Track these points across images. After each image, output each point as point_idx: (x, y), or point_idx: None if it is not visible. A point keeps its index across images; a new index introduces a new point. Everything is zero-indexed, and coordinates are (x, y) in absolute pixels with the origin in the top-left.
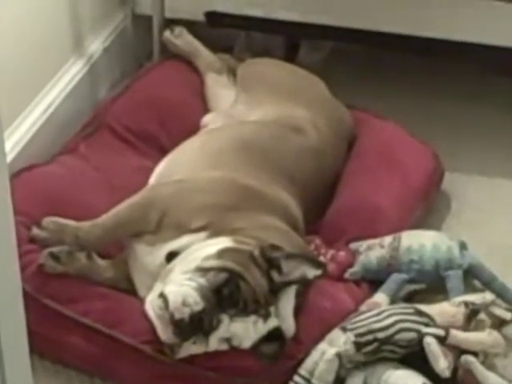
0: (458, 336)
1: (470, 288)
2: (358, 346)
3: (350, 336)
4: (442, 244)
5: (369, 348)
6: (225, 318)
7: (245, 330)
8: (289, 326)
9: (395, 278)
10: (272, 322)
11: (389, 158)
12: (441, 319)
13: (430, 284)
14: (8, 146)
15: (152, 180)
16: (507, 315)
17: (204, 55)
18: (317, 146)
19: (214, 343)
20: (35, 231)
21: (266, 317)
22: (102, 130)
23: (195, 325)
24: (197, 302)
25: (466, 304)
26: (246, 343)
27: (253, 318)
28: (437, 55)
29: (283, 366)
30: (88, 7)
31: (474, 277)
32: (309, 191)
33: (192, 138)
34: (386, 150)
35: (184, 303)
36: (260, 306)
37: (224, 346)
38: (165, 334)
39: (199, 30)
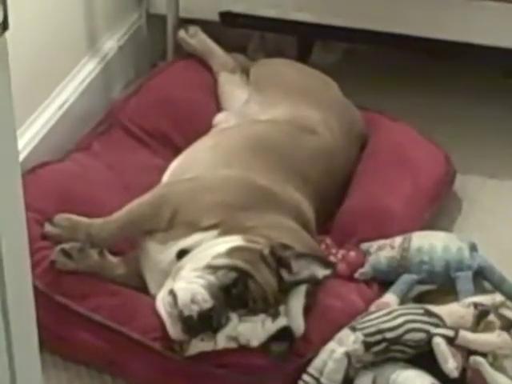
0: (467, 337)
1: (479, 289)
2: (367, 345)
3: (359, 336)
4: (453, 245)
5: (378, 348)
6: (233, 316)
7: (253, 329)
8: (298, 325)
9: (405, 279)
10: (281, 321)
11: (400, 159)
12: (450, 320)
13: (439, 285)
14: (22, 143)
15: (165, 178)
16: None
17: (218, 55)
18: (329, 146)
19: (222, 341)
20: (48, 228)
21: (274, 316)
22: (115, 128)
23: (203, 322)
24: (206, 300)
25: (476, 305)
26: (254, 342)
27: (261, 316)
28: (447, 57)
29: (292, 364)
30: (103, 6)
31: (483, 278)
32: (321, 191)
33: (205, 137)
34: (398, 151)
35: (193, 300)
36: (269, 305)
37: (232, 344)
38: (173, 330)
39: (213, 29)
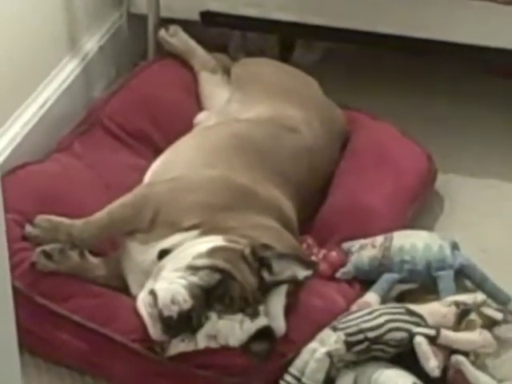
0: (449, 336)
1: (461, 288)
2: (349, 345)
3: (341, 335)
4: (434, 244)
5: (359, 347)
6: (212, 315)
7: (231, 328)
8: (279, 325)
9: (387, 278)
10: (261, 321)
11: (382, 157)
12: (432, 319)
13: (421, 284)
14: (2, 143)
15: (146, 178)
16: (498, 315)
17: (199, 54)
18: (310, 145)
19: (203, 341)
20: (28, 229)
21: (253, 316)
22: (96, 128)
23: (183, 322)
24: (186, 300)
25: (457, 304)
26: (233, 341)
27: (240, 316)
28: (430, 56)
29: (274, 364)
30: (83, 6)
31: (465, 277)
32: (302, 190)
33: (186, 137)
34: (379, 150)
35: (173, 301)
36: (248, 305)
37: (213, 344)
38: (154, 331)
39: (194, 29)
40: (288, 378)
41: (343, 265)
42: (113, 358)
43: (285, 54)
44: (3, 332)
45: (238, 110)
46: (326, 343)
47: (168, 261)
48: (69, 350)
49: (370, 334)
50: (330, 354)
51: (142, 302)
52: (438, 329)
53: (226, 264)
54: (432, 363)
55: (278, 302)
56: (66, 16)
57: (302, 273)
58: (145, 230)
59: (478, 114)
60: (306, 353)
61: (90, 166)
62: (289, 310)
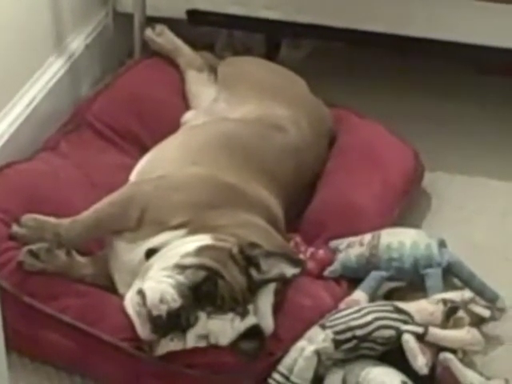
0: (437, 333)
1: (449, 286)
2: (337, 343)
3: (329, 333)
4: (421, 242)
5: (348, 345)
6: (202, 315)
7: (222, 328)
8: (268, 324)
9: (374, 276)
10: (250, 320)
11: (369, 156)
12: (420, 317)
13: (409, 282)
14: None
15: (133, 177)
16: (486, 313)
17: (185, 53)
18: (297, 144)
19: (192, 340)
20: (15, 228)
21: (243, 314)
22: (82, 127)
23: (172, 322)
24: (174, 299)
25: (445, 302)
26: (223, 340)
27: (230, 315)
28: (417, 53)
29: (262, 363)
30: (69, 4)
31: (453, 275)
32: (289, 189)
33: (173, 135)
34: (367, 148)
35: (161, 300)
36: (238, 304)
37: (202, 343)
38: (142, 330)
39: (180, 28)
40: (276, 376)
41: (331, 263)
42: (101, 357)
43: (271, 53)
44: None
45: (225, 109)
46: (314, 341)
47: (155, 260)
48: (57, 349)
49: (359, 332)
50: (318, 352)
51: (130, 301)
52: (425, 326)
53: (214, 263)
54: (420, 361)
55: (266, 300)
56: (51, 14)
57: (289, 271)
58: (132, 228)
59: (465, 111)
60: (294, 351)
61: (77, 165)
62: (277, 309)
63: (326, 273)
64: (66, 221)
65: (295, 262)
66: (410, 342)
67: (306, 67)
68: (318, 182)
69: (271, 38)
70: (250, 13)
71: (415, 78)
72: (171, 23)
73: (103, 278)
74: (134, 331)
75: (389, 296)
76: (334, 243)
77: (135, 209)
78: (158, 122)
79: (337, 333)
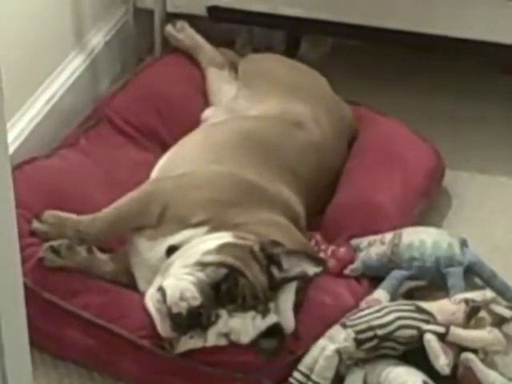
0: (459, 333)
1: (470, 285)
2: (358, 342)
3: (350, 332)
4: (443, 241)
5: (369, 345)
6: (223, 313)
7: (243, 326)
8: (288, 322)
9: (395, 275)
10: (271, 318)
11: (390, 154)
12: (441, 316)
13: (430, 281)
14: (9, 138)
15: (154, 174)
16: (507, 313)
17: (206, 50)
18: (318, 141)
19: (212, 338)
20: (35, 224)
21: (264, 313)
22: (102, 123)
23: (192, 319)
24: (195, 297)
25: (467, 301)
26: (245, 339)
27: (251, 313)
28: (438, 52)
29: (283, 361)
30: (90, 1)
31: (474, 274)
32: (310, 187)
33: (194, 132)
34: (387, 147)
35: (182, 297)
36: (259, 302)
37: (223, 342)
38: (163, 328)
39: (201, 24)
40: (297, 375)
41: (352, 261)
42: (121, 354)
43: (291, 50)
44: (15, 329)
45: (245, 106)
46: (335, 340)
47: (176, 257)
48: (77, 346)
49: (380, 332)
50: (339, 352)
51: (151, 298)
52: (447, 326)
53: (235, 261)
54: (442, 361)
55: (287, 299)
56: (72, 11)
57: (311, 269)
58: (153, 226)
59: (486, 110)
60: (315, 350)
61: (97, 162)
62: (298, 307)
63: (347, 271)
64: (86, 217)
65: (317, 261)
66: (431, 342)
67: (326, 65)
68: (338, 180)
69: (291, 35)
70: (271, 10)
71: (436, 76)
72: (192, 20)
73: (124, 275)
74: (154, 329)
75: (409, 295)
76: (354, 242)
77: (156, 206)
78: (178, 118)
79: (358, 332)
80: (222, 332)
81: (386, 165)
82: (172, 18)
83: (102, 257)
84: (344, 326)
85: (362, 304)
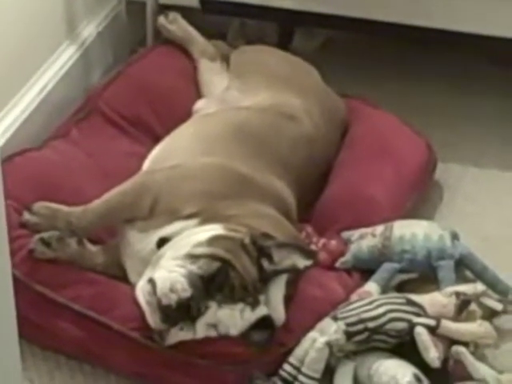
0: (449, 326)
1: (461, 278)
2: (349, 335)
3: (341, 325)
4: (434, 234)
5: (359, 337)
6: (212, 304)
7: (231, 317)
8: (279, 315)
9: (387, 268)
10: (261, 311)
11: (382, 147)
12: (432, 309)
13: (421, 274)
14: (0, 130)
15: (145, 166)
16: (498, 306)
17: (198, 41)
18: (310, 133)
19: (202, 330)
20: (26, 216)
21: (254, 305)
22: (94, 115)
23: (182, 311)
24: (185, 289)
25: (458, 294)
26: (233, 331)
27: (240, 305)
28: (432, 45)
29: (273, 354)
30: None
31: (465, 267)
32: (302, 179)
33: (185, 124)
34: (379, 139)
35: (172, 289)
36: (248, 294)
37: (212, 333)
38: (152, 319)
39: (193, 16)
40: (287, 367)
41: (343, 254)
42: (111, 346)
43: (284, 42)
44: (3, 320)
45: (237, 98)
46: (325, 333)
47: (167, 249)
48: (67, 338)
49: (371, 324)
50: (329, 344)
51: (141, 290)
52: (438, 319)
53: (225, 253)
54: (432, 354)
55: (277, 291)
56: (64, 2)
57: (302, 262)
58: (144, 217)
59: (478, 103)
60: (305, 342)
61: (88, 153)
62: (288, 300)
63: (338, 264)
64: (77, 209)
65: (308, 254)
66: (422, 335)
67: (319, 57)
68: (330, 172)
69: (284, 28)
70: (263, 1)
71: (428, 68)
72: (184, 11)
73: (114, 267)
74: (144, 321)
75: (400, 288)
76: (345, 234)
77: (147, 198)
78: (170, 110)
79: (349, 324)
80: (211, 323)
81: (378, 157)
82: (164, 9)
83: (93, 249)
84: (335, 319)
85: (353, 296)
